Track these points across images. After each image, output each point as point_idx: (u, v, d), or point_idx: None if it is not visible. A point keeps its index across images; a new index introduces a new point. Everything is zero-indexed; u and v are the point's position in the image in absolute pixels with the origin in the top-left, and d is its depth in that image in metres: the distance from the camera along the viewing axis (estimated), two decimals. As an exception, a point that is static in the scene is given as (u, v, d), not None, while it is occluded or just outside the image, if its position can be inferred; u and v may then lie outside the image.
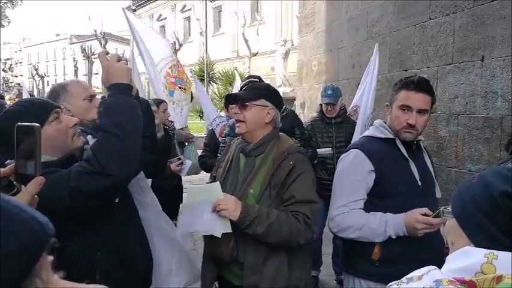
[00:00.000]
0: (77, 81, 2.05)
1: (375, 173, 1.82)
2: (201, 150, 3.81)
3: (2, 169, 0.87)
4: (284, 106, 3.10)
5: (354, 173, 1.86)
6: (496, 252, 0.77)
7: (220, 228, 1.69)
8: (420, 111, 1.82)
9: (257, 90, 1.95)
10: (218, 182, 1.80)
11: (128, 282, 1.52)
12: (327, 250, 3.76)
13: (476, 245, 0.83)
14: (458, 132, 3.87)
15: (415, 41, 4.47)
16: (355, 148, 1.93)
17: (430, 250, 1.68)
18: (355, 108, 4.30)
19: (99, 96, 1.97)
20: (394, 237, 1.74)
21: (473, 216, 0.86)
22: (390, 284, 0.87)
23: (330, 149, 3.64)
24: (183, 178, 4.13)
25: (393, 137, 1.88)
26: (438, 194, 1.97)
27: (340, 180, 1.92)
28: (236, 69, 14.89)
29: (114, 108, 1.37)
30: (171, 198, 3.14)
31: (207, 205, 1.71)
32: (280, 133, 1.95)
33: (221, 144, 3.18)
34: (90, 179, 1.27)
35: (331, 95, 3.72)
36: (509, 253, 0.76)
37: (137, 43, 4.32)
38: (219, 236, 1.69)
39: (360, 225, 1.78)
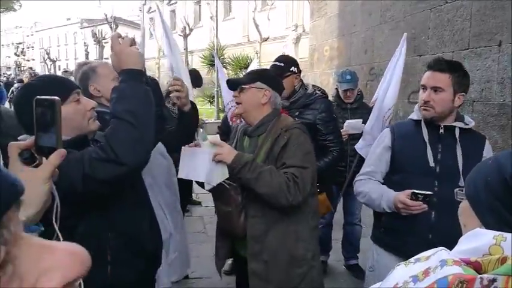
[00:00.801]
0: (104, 63, 2.12)
1: (391, 150, 2.01)
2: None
3: (23, 142, 0.88)
4: (313, 90, 2.97)
5: (376, 147, 2.11)
6: (505, 234, 0.77)
7: (218, 176, 1.84)
8: (435, 90, 1.87)
9: (253, 74, 2.14)
10: (217, 135, 1.92)
11: (137, 262, 1.54)
12: (337, 235, 3.77)
13: (487, 227, 0.83)
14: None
15: (430, 25, 4.37)
16: (390, 126, 2.18)
17: (432, 229, 1.84)
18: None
19: None
20: (388, 210, 1.90)
21: (485, 198, 0.86)
22: (398, 263, 0.87)
23: (360, 120, 3.44)
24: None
25: (419, 119, 1.97)
26: (462, 183, 1.95)
27: (370, 153, 2.19)
28: (257, 53, 14.74)
29: (128, 96, 1.36)
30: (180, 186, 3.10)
31: (206, 155, 1.84)
32: (282, 114, 2.08)
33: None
34: (104, 166, 1.27)
35: (350, 80, 3.63)
36: None
37: (167, 33, 4.41)
38: (215, 185, 1.85)
39: (366, 193, 2.02)
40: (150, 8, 30.96)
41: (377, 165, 2.06)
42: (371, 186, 2.01)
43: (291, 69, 2.77)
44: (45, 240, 0.37)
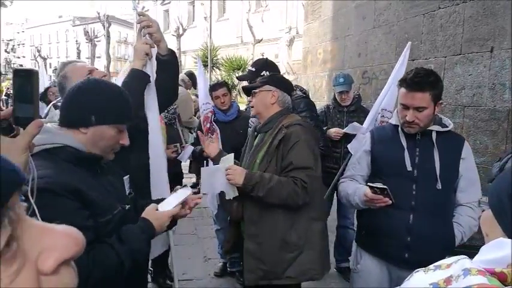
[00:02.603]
0: (72, 65, 2.07)
1: (371, 153, 2.08)
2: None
3: (1, 111, 0.89)
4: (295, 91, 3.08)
5: (358, 151, 2.19)
6: None
7: (232, 192, 2.06)
8: (418, 109, 1.87)
9: (263, 78, 2.31)
10: (232, 154, 2.15)
11: None
12: (329, 238, 3.77)
13: (510, 237, 0.83)
14: (463, 124, 3.84)
15: (423, 30, 4.41)
16: (370, 130, 2.23)
17: (410, 232, 1.88)
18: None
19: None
20: (361, 205, 1.96)
21: (509, 208, 0.86)
22: (417, 270, 0.87)
23: (356, 124, 3.36)
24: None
25: (398, 124, 2.01)
26: (439, 186, 1.96)
27: (352, 156, 2.28)
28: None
29: (130, 239, 1.32)
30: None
31: (222, 171, 2.05)
32: (292, 113, 2.25)
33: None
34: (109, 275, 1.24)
35: (344, 82, 3.65)
36: None
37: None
38: (231, 198, 2.07)
39: (344, 192, 2.09)
40: (143, 7, 30.81)
41: (357, 169, 2.13)
42: (348, 186, 2.09)
43: (261, 74, 2.80)
44: (44, 222, 0.41)
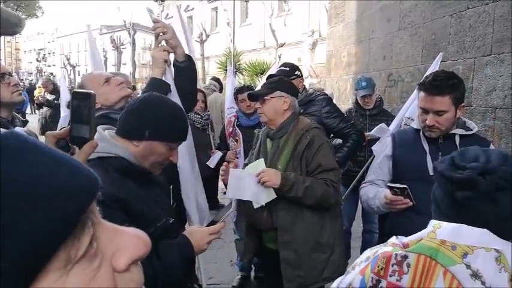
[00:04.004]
0: (89, 76, 2.10)
1: (392, 158, 2.04)
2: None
3: (58, 131, 0.95)
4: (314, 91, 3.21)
5: (379, 156, 2.16)
6: (441, 222, 0.91)
7: (266, 197, 1.99)
8: (438, 112, 1.84)
9: (271, 84, 2.23)
10: (262, 158, 2.10)
11: None
12: (355, 244, 3.72)
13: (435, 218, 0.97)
14: (495, 127, 3.73)
15: (451, 31, 4.31)
16: (391, 135, 2.18)
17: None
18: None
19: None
20: (382, 209, 1.94)
21: (433, 193, 1.02)
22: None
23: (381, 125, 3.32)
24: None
25: (419, 128, 1.98)
26: None
27: (373, 161, 2.24)
28: (279, 57, 14.83)
29: (170, 266, 1.33)
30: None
31: (253, 177, 2.00)
32: (300, 116, 2.24)
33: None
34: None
35: (366, 86, 3.62)
36: (451, 223, 0.89)
37: (187, 38, 4.49)
38: (264, 204, 2.02)
39: (365, 196, 2.06)
40: (167, 14, 31.39)
41: (378, 174, 2.09)
42: (369, 190, 2.06)
43: (296, 73, 3.02)
44: (116, 224, 0.44)
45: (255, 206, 2.04)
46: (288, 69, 3.04)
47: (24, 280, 0.33)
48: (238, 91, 3.72)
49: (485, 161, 0.88)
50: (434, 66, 3.17)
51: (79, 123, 0.90)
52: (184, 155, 2.10)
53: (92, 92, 0.91)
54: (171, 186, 1.56)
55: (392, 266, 0.87)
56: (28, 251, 0.33)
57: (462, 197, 0.88)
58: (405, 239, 0.93)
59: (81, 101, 0.90)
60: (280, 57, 6.18)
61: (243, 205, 2.16)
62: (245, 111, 3.60)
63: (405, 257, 0.86)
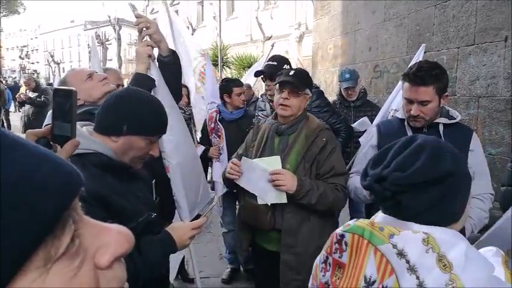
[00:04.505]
0: (72, 71, 2.08)
1: (377, 148, 2.01)
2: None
3: (39, 130, 0.93)
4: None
5: (364, 146, 2.17)
6: (379, 212, 1.01)
7: (274, 198, 1.91)
8: (422, 102, 1.86)
9: (306, 79, 2.13)
10: (279, 156, 1.96)
11: None
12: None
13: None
14: (478, 115, 3.78)
15: (435, 21, 4.35)
16: (376, 125, 2.19)
17: None
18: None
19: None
20: (369, 198, 1.91)
21: None
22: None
23: (364, 118, 3.40)
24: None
25: (404, 118, 2.00)
26: None
27: (359, 152, 2.24)
28: (280, 50, 14.79)
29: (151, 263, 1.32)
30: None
31: (265, 174, 1.91)
32: (309, 114, 2.16)
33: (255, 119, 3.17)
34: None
35: (350, 78, 3.65)
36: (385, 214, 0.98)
37: (173, 34, 4.43)
38: (269, 204, 1.92)
39: (352, 186, 2.04)
40: (153, 9, 31.02)
41: (364, 164, 2.09)
42: (356, 179, 2.04)
43: (284, 67, 2.87)
44: (98, 221, 0.44)
45: (259, 202, 1.95)
46: (275, 63, 2.91)
47: (0, 280, 0.32)
48: (235, 84, 3.52)
49: (382, 167, 0.95)
50: (417, 57, 3.20)
51: (61, 121, 0.88)
52: (180, 147, 2.09)
53: (74, 89, 0.89)
54: (153, 181, 1.53)
55: (334, 244, 0.99)
56: (7, 249, 0.31)
57: (372, 200, 0.98)
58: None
59: (63, 98, 0.88)
60: (273, 47, 6.06)
61: (244, 201, 2.06)
62: (239, 106, 3.46)
63: (342, 236, 0.96)
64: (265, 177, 1.90)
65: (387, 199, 0.94)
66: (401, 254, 0.84)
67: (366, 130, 3.32)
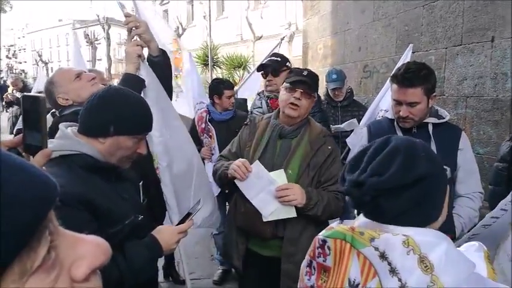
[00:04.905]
0: (60, 70, 2.06)
1: None
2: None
3: (11, 139, 0.89)
4: None
5: (354, 147, 2.20)
6: (360, 216, 1.01)
7: (282, 214, 1.85)
8: (411, 104, 1.87)
9: (317, 81, 2.10)
10: (282, 170, 1.89)
11: None
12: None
13: None
14: (466, 115, 3.83)
15: (423, 22, 4.38)
16: (367, 125, 2.19)
17: None
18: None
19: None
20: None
21: None
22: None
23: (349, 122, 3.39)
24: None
25: (393, 118, 2.01)
26: None
27: (350, 153, 2.26)
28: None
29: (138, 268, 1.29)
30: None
31: (269, 186, 1.85)
32: (310, 118, 2.12)
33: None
34: None
35: (337, 79, 3.67)
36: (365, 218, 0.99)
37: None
38: (274, 219, 1.86)
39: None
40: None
41: None
42: None
43: (287, 64, 2.89)
44: (75, 232, 0.43)
45: (264, 219, 1.88)
46: (279, 59, 2.93)
47: None
48: (226, 87, 3.49)
49: (359, 172, 0.95)
50: (405, 57, 3.23)
51: (31, 130, 0.83)
52: (171, 149, 2.07)
53: (41, 95, 0.84)
54: (141, 183, 1.52)
55: (317, 249, 1.00)
56: None
57: (351, 206, 1.01)
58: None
59: (31, 105, 0.82)
60: (282, 40, 5.86)
61: (244, 207, 1.98)
62: (228, 107, 3.45)
63: (324, 241, 0.97)
64: (269, 190, 1.85)
65: (366, 203, 0.94)
66: (383, 256, 0.85)
67: (352, 131, 3.34)
